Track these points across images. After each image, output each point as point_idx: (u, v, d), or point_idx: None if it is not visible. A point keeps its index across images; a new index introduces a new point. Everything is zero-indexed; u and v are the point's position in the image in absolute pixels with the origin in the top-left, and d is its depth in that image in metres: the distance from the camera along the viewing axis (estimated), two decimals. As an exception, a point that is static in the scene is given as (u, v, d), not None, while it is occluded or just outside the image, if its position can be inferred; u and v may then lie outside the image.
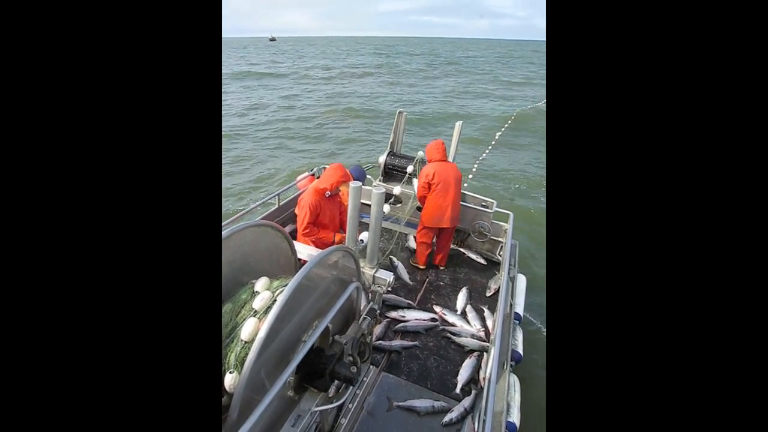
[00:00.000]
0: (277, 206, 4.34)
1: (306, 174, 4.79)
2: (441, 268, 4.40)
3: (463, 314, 3.66)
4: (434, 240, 4.30)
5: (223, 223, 3.57)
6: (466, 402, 2.72)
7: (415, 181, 4.34)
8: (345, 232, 3.51)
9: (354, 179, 3.62)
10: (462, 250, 4.70)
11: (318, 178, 4.80)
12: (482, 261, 4.53)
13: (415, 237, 4.77)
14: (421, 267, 4.34)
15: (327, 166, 4.20)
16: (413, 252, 4.60)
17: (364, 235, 2.78)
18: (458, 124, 4.67)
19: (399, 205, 4.55)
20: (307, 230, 3.35)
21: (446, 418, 2.60)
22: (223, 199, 8.33)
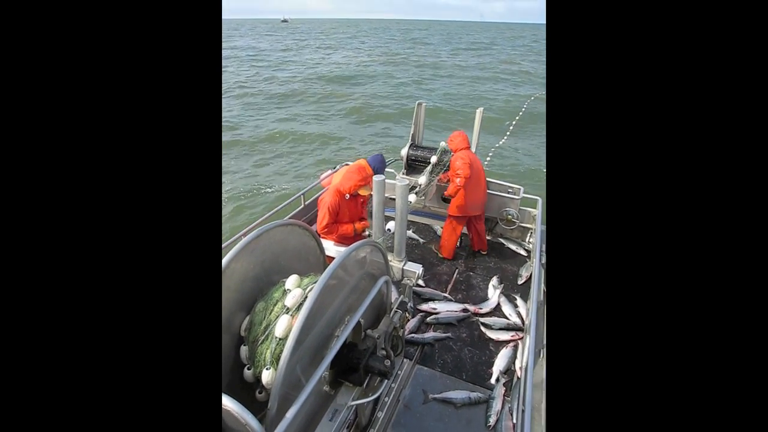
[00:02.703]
0: (302, 205, 4.39)
1: (329, 171, 4.82)
2: (483, 253, 4.39)
3: (496, 304, 3.61)
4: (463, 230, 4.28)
5: (252, 225, 3.65)
6: (501, 389, 2.70)
7: (424, 177, 4.30)
8: (364, 221, 3.53)
9: (373, 170, 3.59)
10: (502, 240, 4.62)
11: None
12: (523, 252, 4.40)
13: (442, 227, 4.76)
14: (447, 258, 4.32)
15: (349, 164, 4.19)
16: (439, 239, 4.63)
17: (391, 224, 2.77)
18: (479, 111, 4.58)
19: (423, 197, 4.52)
20: (326, 229, 3.33)
21: (491, 413, 2.58)
22: (254, 201, 8.51)
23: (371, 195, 2.92)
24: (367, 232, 3.38)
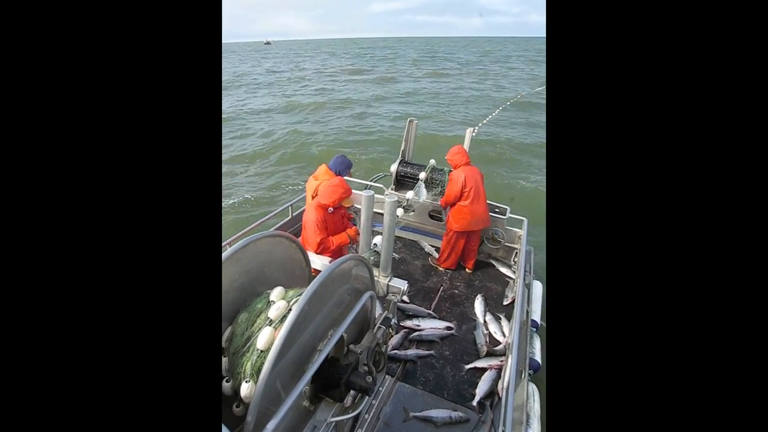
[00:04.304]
0: (290, 217, 4.38)
1: None
2: (468, 271, 4.43)
3: (483, 323, 3.62)
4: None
5: (237, 234, 3.61)
6: (487, 417, 2.67)
7: (423, 190, 4.36)
8: (354, 227, 3.50)
9: (336, 174, 3.62)
10: (492, 262, 4.65)
11: None
12: (512, 275, 4.40)
13: (432, 245, 4.79)
14: (442, 269, 4.42)
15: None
16: (428, 254, 4.70)
17: (378, 239, 2.77)
18: (468, 130, 4.68)
19: (412, 213, 4.55)
20: (321, 246, 3.30)
21: None
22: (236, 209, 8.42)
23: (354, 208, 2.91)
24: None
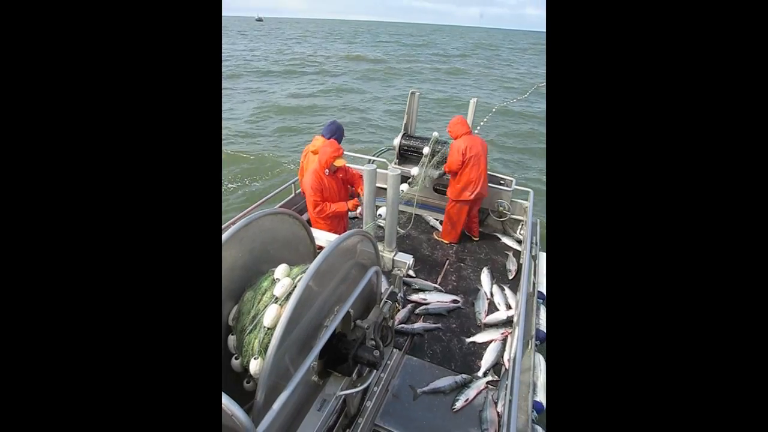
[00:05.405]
0: (293, 194, 4.35)
1: None
2: (475, 239, 4.48)
3: (490, 295, 3.64)
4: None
5: (241, 213, 3.61)
6: (482, 381, 2.73)
7: (421, 164, 4.31)
8: (355, 200, 3.50)
9: (327, 138, 3.61)
10: (497, 235, 4.64)
11: None
12: (518, 247, 4.39)
13: (436, 218, 4.77)
14: (448, 242, 4.44)
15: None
16: (433, 228, 4.70)
17: (383, 210, 2.74)
18: (473, 101, 4.57)
19: (416, 187, 4.51)
20: (318, 208, 3.33)
21: (460, 398, 2.60)
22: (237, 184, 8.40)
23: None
24: (358, 211, 3.35)
